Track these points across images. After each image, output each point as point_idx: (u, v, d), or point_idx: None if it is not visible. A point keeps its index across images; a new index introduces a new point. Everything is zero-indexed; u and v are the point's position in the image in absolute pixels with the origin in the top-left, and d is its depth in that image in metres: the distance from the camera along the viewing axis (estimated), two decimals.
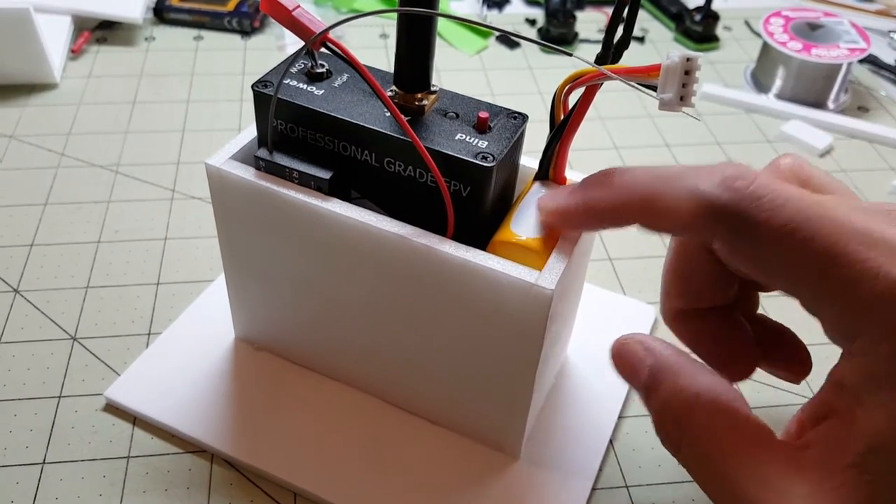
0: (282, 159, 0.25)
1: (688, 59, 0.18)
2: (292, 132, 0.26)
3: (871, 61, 0.53)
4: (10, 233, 0.38)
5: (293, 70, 0.26)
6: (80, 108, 0.46)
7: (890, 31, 0.57)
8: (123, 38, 0.53)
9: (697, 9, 0.54)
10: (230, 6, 0.54)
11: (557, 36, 0.53)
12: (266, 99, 0.25)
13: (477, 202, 0.24)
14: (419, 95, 0.25)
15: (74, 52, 0.51)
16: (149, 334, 0.33)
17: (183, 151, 0.43)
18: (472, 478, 0.28)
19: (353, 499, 0.27)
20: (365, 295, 0.26)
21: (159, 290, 0.35)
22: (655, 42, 0.56)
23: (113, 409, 0.30)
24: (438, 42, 0.23)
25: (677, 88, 0.19)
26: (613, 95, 0.49)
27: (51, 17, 0.50)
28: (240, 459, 0.28)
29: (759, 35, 0.54)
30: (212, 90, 0.48)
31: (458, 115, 0.25)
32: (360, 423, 0.29)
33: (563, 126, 0.23)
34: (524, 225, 0.24)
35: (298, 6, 0.23)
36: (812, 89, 0.48)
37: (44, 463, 0.29)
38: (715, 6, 0.57)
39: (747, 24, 0.57)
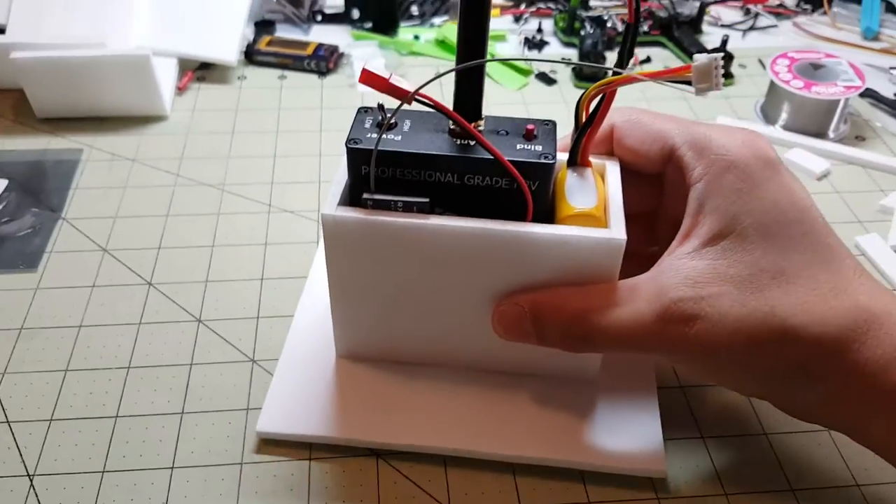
0: (385, 196, 0.31)
1: (714, 59, 0.26)
2: (383, 173, 0.31)
3: (871, 95, 0.60)
4: (141, 238, 0.47)
5: (367, 125, 0.32)
6: (188, 136, 0.56)
7: (891, 68, 0.64)
8: (219, 77, 0.62)
9: (714, 49, 0.62)
10: (309, 50, 0.63)
11: (590, 74, 0.61)
12: (360, 153, 0.31)
13: (542, 193, 0.31)
14: (476, 123, 0.31)
15: (180, 89, 0.60)
16: (257, 318, 0.42)
17: (275, 173, 0.52)
18: (563, 404, 0.36)
19: (494, 444, 0.34)
20: (469, 284, 0.32)
21: (263, 284, 0.44)
22: None
23: (231, 371, 0.39)
24: (486, 80, 0.31)
25: (713, 80, 0.26)
26: None
27: (161, 59, 0.60)
28: (392, 443, 0.34)
29: None
30: (295, 122, 0.57)
31: (507, 133, 0.31)
32: (468, 389, 0.36)
33: (588, 124, 0.31)
34: (578, 200, 0.31)
35: (392, 74, 0.29)
36: (813, 121, 0.55)
37: (182, 413, 0.37)
38: (734, 46, 0.64)
39: (760, 62, 0.64)
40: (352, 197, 0.32)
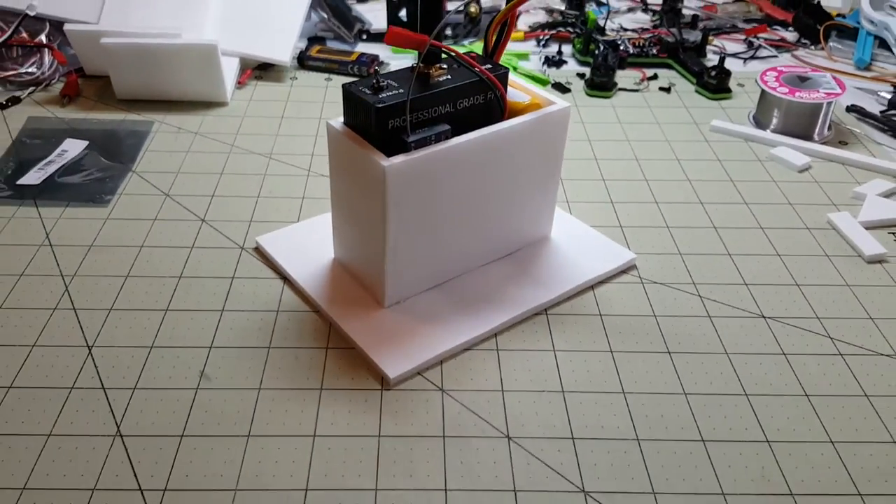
0: (419, 135, 0.38)
1: None
2: (403, 121, 0.38)
3: (858, 111, 0.66)
4: (200, 188, 0.55)
5: (368, 92, 0.38)
6: (244, 119, 0.64)
7: (878, 91, 0.70)
8: (275, 77, 0.71)
9: (713, 67, 0.69)
10: (353, 57, 0.72)
11: (599, 83, 0.68)
12: (386, 110, 0.37)
13: (505, 94, 0.42)
14: (439, 65, 0.41)
15: (240, 84, 0.69)
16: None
17: (316, 148, 0.60)
18: (532, 255, 0.48)
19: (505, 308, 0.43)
20: (485, 178, 0.41)
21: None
22: (680, 93, 0.70)
23: (264, 290, 0.45)
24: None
25: None
26: (641, 128, 0.64)
27: (225, 58, 0.69)
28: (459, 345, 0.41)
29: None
30: (337, 113, 0.65)
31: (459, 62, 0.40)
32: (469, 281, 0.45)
33: (497, 45, 0.42)
34: (517, 97, 0.43)
35: (414, 33, 0.37)
36: (799, 124, 0.61)
37: (223, 311, 0.44)
38: (736, 70, 0.71)
39: (757, 81, 0.71)
40: (384, 148, 0.38)
